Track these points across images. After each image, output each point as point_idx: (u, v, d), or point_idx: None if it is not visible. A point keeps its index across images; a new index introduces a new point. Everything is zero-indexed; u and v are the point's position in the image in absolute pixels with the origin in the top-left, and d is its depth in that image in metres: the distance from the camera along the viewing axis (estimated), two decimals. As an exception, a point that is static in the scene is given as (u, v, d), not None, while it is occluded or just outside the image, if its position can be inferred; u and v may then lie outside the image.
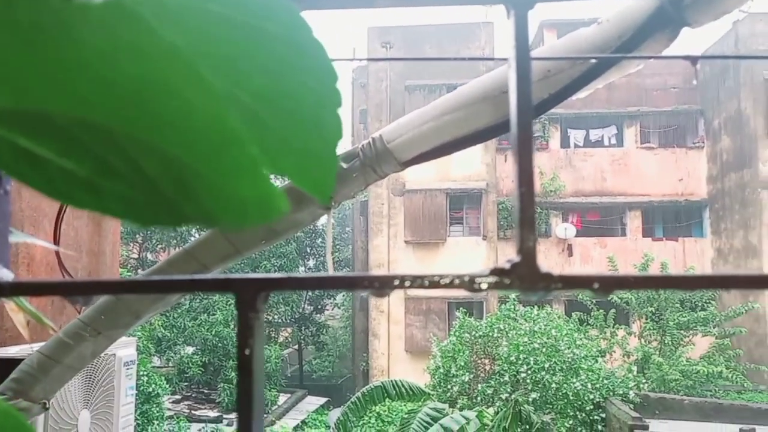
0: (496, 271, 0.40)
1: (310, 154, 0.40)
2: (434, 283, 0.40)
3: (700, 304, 15.35)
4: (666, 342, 14.52)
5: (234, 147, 0.29)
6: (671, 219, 19.25)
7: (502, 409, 9.85)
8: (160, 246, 19.74)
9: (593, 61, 1.80)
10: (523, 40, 0.43)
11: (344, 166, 2.10)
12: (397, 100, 17.30)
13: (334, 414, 15.32)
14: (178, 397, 17.31)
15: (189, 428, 13.70)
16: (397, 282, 0.40)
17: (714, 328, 14.68)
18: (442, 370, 12.12)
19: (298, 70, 0.38)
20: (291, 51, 0.37)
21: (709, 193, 18.86)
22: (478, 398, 11.41)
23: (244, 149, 0.29)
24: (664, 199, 18.80)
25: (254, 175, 0.30)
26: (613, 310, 14.87)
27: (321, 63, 0.39)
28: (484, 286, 0.40)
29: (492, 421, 9.75)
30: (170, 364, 17.80)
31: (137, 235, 19.71)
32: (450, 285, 0.40)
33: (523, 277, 0.39)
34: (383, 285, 0.41)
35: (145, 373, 12.85)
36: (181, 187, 0.32)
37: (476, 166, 17.87)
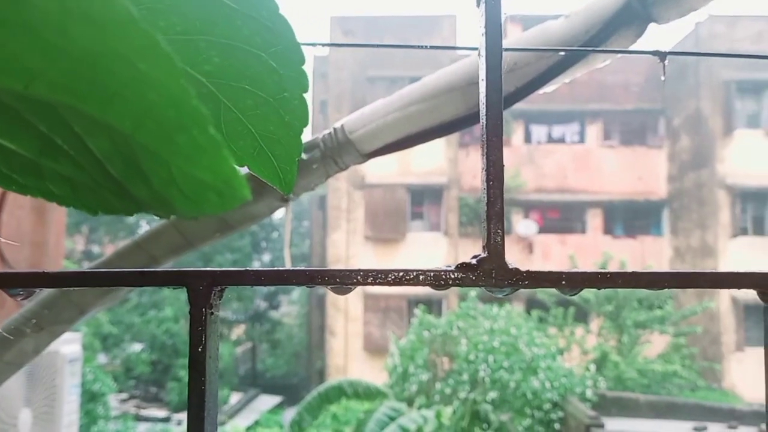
0: (463, 267, 0.41)
1: (272, 140, 0.39)
2: (398, 280, 0.41)
3: (657, 303, 15.50)
4: (623, 341, 14.68)
5: (194, 125, 0.26)
6: (631, 217, 19.44)
7: (460, 409, 9.77)
8: (107, 238, 19.15)
9: (562, 53, 1.70)
10: (494, 29, 0.42)
11: (304, 156, 1.90)
12: (359, 92, 17.03)
13: (289, 414, 15.09)
14: (125, 395, 16.95)
15: (136, 428, 13.31)
16: (359, 278, 0.40)
17: (670, 326, 14.90)
18: (400, 369, 12.00)
19: (261, 50, 0.36)
20: (254, 28, 0.35)
21: (668, 192, 19.09)
22: (437, 397, 11.30)
23: (206, 128, 0.25)
24: (625, 197, 18.95)
25: (215, 157, 0.26)
26: (572, 309, 14.94)
27: (286, 42, 0.36)
28: (450, 282, 0.40)
29: (450, 420, 9.70)
30: (117, 362, 17.39)
31: (83, 226, 19.09)
32: (415, 282, 0.41)
33: (490, 273, 0.40)
34: (345, 281, 0.40)
35: (91, 370, 12.51)
36: (133, 169, 0.28)
37: (438, 161, 17.76)
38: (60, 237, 4.25)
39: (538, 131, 19.33)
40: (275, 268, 0.42)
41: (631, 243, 18.48)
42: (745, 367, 16.26)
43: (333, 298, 17.54)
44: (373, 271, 0.41)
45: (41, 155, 0.28)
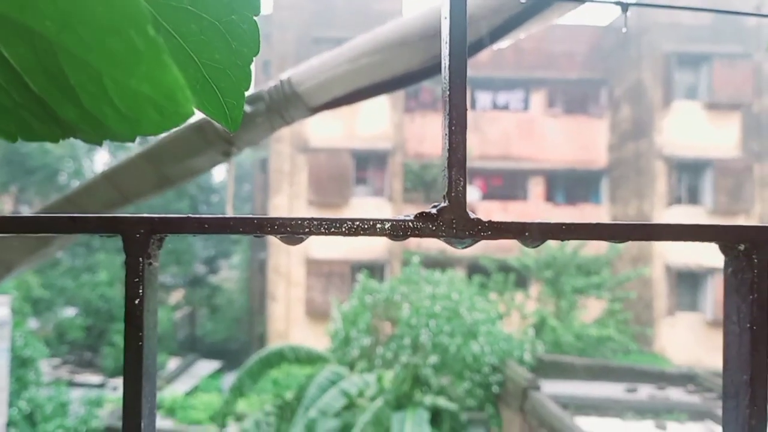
0: (422, 217, 0.39)
1: (218, 71, 0.34)
2: (354, 229, 0.38)
3: (594, 270, 15.91)
4: (561, 306, 15.03)
5: (130, 26, 0.22)
6: (572, 186, 19.82)
7: (401, 373, 9.85)
8: (38, 199, 18.39)
9: (522, 1, 1.73)
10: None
11: (248, 109, 1.94)
12: (304, 53, 16.63)
13: (229, 378, 14.99)
14: (57, 361, 16.56)
15: (70, 394, 12.98)
16: (311, 227, 0.38)
17: (606, 292, 15.32)
18: (342, 334, 11.99)
19: None
20: None
21: (608, 162, 19.50)
22: (378, 362, 11.36)
23: (144, 29, 0.22)
24: (566, 165, 19.28)
25: (155, 64, 0.23)
26: (512, 275, 15.18)
27: None
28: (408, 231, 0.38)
29: (391, 384, 9.77)
30: (49, 327, 16.92)
31: (11, 186, 18.24)
32: (371, 231, 0.39)
33: (451, 223, 0.39)
34: (296, 230, 0.38)
35: (21, 335, 12.09)
36: (58, 84, 0.24)
37: (383, 126, 17.61)
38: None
39: (484, 98, 19.38)
40: (220, 215, 0.38)
41: (571, 211, 18.84)
42: (675, 331, 16.95)
43: (275, 263, 17.34)
44: (327, 219, 0.38)
45: None
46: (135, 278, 0.37)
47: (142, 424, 0.36)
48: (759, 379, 0.37)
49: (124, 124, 0.23)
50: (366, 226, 0.39)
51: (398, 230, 0.39)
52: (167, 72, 0.21)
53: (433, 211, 0.39)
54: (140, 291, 0.37)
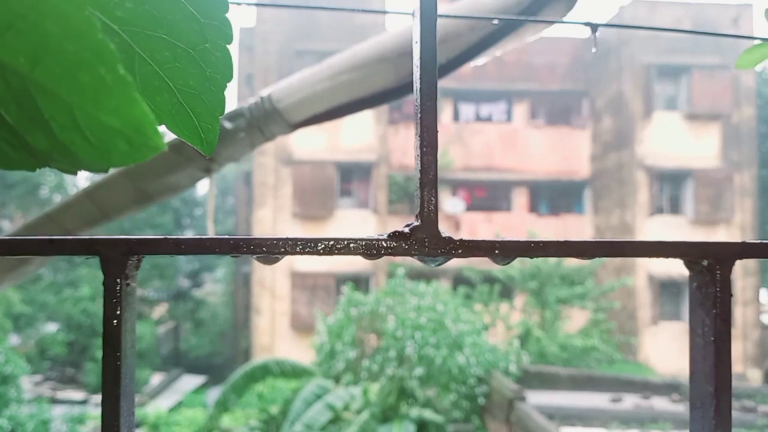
0: (395, 236, 0.40)
1: (193, 96, 0.35)
2: (329, 249, 0.39)
3: (578, 280, 16.02)
4: (546, 316, 15.13)
5: (99, 62, 0.23)
6: (555, 196, 19.99)
7: (387, 385, 9.86)
8: (18, 213, 18.23)
9: (495, 23, 1.77)
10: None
11: (228, 126, 1.97)
12: (286, 65, 16.67)
13: (213, 393, 14.89)
14: (39, 378, 16.31)
15: (52, 411, 12.82)
16: (287, 247, 0.38)
17: (590, 302, 15.46)
18: (327, 347, 11.96)
19: None
20: None
21: (591, 172, 19.68)
22: (364, 374, 11.34)
23: (114, 66, 0.23)
24: (549, 176, 19.44)
25: (124, 99, 0.23)
26: (497, 285, 15.26)
27: None
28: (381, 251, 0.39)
29: (377, 396, 9.75)
30: (31, 343, 16.76)
31: (-9, 201, 18.07)
32: (346, 251, 0.39)
33: (423, 242, 0.40)
34: (271, 250, 0.38)
35: (2, 351, 11.94)
36: (30, 115, 0.25)
37: (367, 138, 17.67)
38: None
39: (467, 110, 19.51)
40: (196, 236, 0.39)
41: (555, 221, 18.98)
42: (659, 340, 17.08)
43: (259, 277, 17.29)
44: (302, 239, 0.39)
45: None
46: (113, 299, 0.38)
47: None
48: (723, 390, 0.38)
49: (95, 154, 0.24)
50: (341, 246, 0.39)
51: (372, 249, 0.39)
52: (136, 107, 0.22)
53: (406, 230, 0.40)
54: (118, 312, 0.38)
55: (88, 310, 16.14)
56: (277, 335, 17.11)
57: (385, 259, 17.47)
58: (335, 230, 17.22)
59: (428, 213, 0.40)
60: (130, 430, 0.38)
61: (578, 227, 19.30)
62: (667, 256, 0.40)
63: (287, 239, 0.39)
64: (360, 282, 16.52)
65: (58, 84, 0.22)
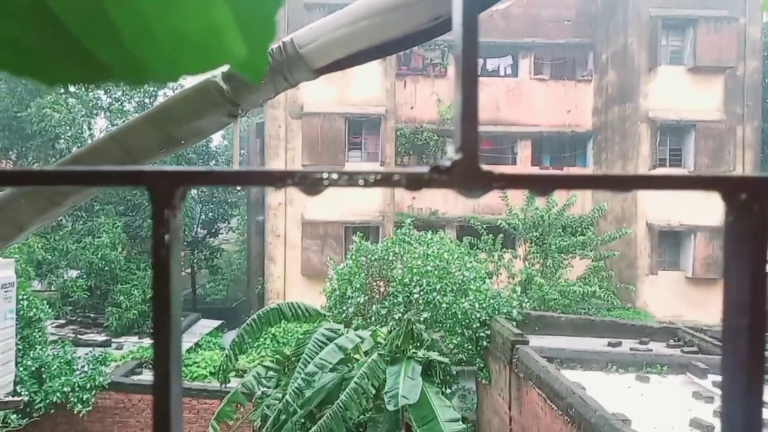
0: (436, 169, 0.39)
1: (244, 22, 0.32)
2: (368, 182, 0.39)
3: (579, 230, 16.23)
4: (548, 264, 15.36)
5: None
6: (558, 149, 20.08)
7: (395, 328, 10.07)
8: (37, 164, 18.35)
9: None
10: None
11: None
12: (296, 18, 16.65)
13: (229, 336, 15.24)
14: (62, 321, 16.68)
15: (75, 352, 13.22)
16: (327, 179, 0.38)
17: (591, 251, 15.64)
18: (337, 293, 12.26)
19: None
20: None
21: (594, 125, 19.74)
22: (373, 318, 11.65)
23: None
24: (553, 129, 19.53)
25: (202, 2, 0.23)
26: (501, 235, 15.53)
27: None
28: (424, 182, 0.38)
29: (385, 339, 9.99)
30: (52, 288, 16.98)
31: (10, 152, 18.29)
32: (388, 183, 0.40)
33: (464, 175, 0.39)
34: (315, 183, 0.39)
35: (25, 297, 12.22)
36: (99, 24, 0.23)
37: (376, 91, 17.72)
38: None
39: (474, 64, 19.42)
40: (239, 169, 0.40)
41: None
42: (657, 289, 17.35)
43: (272, 226, 17.62)
44: (346, 172, 0.39)
45: None
46: (161, 228, 0.38)
47: (171, 369, 0.38)
48: (757, 323, 0.37)
49: (166, 65, 0.25)
50: (382, 179, 0.39)
51: (414, 182, 0.39)
52: (217, 10, 0.23)
53: (447, 163, 0.40)
54: (166, 241, 0.38)
55: (108, 257, 16.28)
56: (289, 282, 17.51)
57: (392, 209, 17.64)
58: (344, 182, 17.36)
59: (469, 146, 0.39)
60: (178, 356, 0.39)
61: (581, 179, 19.43)
62: (705, 188, 0.39)
63: (331, 171, 0.39)
64: (369, 231, 16.84)
65: None
